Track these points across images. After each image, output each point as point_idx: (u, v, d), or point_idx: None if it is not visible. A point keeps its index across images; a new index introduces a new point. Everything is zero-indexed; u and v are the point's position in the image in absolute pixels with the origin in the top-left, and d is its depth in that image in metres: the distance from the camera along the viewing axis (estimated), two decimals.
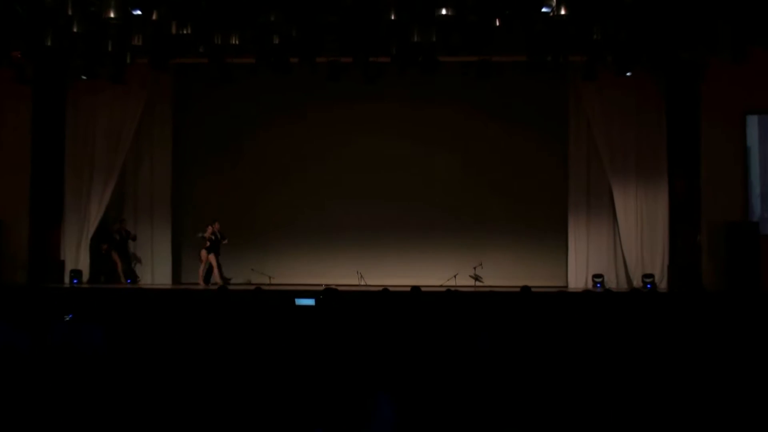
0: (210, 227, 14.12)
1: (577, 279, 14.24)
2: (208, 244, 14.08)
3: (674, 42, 11.31)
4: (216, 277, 14.18)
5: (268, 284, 13.60)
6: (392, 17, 9.60)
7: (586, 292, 8.99)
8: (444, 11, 9.05)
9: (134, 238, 14.69)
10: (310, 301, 7.63)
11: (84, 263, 14.47)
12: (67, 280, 14.28)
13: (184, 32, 10.46)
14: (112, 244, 14.51)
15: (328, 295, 3.97)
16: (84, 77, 13.31)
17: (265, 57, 12.39)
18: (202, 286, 13.82)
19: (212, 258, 14.14)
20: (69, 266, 14.45)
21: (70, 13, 9.57)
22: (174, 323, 6.36)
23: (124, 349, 5.16)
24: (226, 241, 14.22)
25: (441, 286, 12.91)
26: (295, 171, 15.21)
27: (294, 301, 8.07)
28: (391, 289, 9.09)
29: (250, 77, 13.66)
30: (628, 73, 12.72)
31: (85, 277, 14.37)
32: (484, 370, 4.15)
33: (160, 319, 6.67)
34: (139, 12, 9.80)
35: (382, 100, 14.80)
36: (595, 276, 14.14)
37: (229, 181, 15.31)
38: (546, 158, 14.89)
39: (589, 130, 14.29)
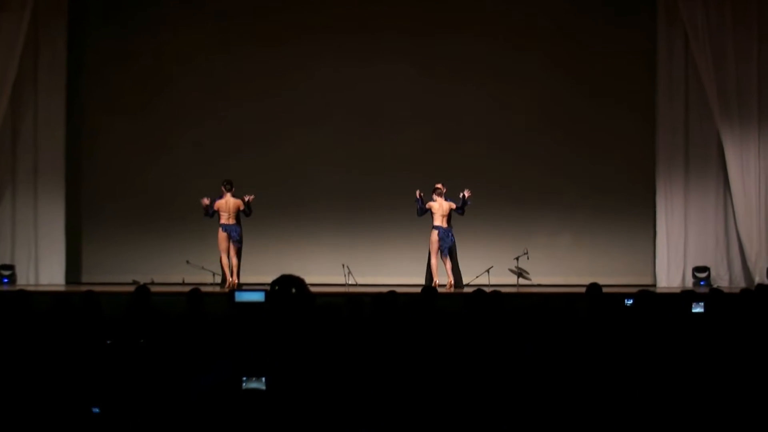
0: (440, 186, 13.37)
1: (670, 274, 14.41)
2: None
3: None
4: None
5: (212, 284, 13.64)
6: None
7: (685, 294, 8.90)
8: None
9: (247, 213, 13.46)
10: (258, 296, 7.42)
11: None
12: None
13: None
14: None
15: (284, 285, 3.65)
16: None
17: None
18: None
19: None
20: None
21: None
22: (71, 339, 6.36)
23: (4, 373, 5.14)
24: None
25: (468, 284, 13.00)
26: (259, 122, 15.20)
27: (234, 297, 7.91)
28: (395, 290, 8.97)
29: None
30: None
31: None
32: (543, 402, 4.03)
33: (52, 334, 6.61)
34: None
35: (390, 21, 14.86)
36: (696, 270, 14.23)
37: (154, 137, 15.31)
38: (623, 102, 14.95)
39: (689, 59, 14.33)
